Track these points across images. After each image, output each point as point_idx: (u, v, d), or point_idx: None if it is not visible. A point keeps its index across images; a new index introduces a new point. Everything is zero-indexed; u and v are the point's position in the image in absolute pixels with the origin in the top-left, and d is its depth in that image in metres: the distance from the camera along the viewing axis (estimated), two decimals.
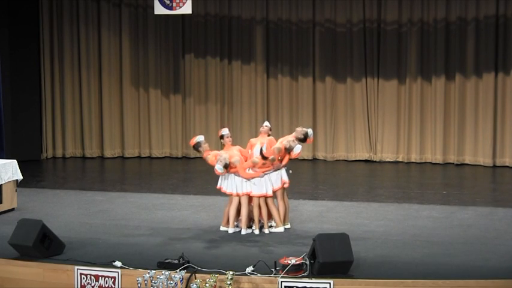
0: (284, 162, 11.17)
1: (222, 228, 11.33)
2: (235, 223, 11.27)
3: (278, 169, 11.16)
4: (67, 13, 18.47)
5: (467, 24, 16.99)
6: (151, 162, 18.26)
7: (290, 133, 11.68)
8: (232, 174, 11.10)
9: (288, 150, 11.09)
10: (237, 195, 11.12)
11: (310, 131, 11.31)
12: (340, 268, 9.10)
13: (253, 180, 11.07)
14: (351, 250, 9.22)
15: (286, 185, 11.28)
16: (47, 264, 9.71)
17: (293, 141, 11.11)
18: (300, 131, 11.23)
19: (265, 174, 11.10)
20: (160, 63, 18.57)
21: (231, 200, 11.22)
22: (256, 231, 11.15)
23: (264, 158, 11.00)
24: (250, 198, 11.18)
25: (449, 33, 17.17)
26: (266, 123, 11.58)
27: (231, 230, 11.19)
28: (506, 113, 16.94)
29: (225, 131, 11.42)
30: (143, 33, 18.53)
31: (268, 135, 11.34)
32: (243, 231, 11.13)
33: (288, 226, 11.39)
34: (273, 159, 11.05)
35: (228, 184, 11.18)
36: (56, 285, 9.56)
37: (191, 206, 13.07)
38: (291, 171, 11.39)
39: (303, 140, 11.25)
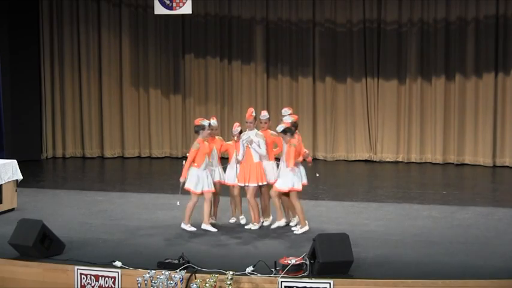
0: (301, 158, 11.19)
1: (204, 226, 11.38)
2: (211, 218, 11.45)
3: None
4: (67, 13, 18.46)
5: (467, 24, 16.98)
6: (151, 162, 18.25)
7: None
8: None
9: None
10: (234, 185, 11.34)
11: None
12: (340, 268, 9.10)
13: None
14: (351, 250, 9.23)
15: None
16: (47, 264, 9.72)
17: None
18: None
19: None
20: (160, 63, 18.56)
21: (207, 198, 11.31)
22: (255, 227, 11.28)
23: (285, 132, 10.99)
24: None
25: (449, 33, 17.17)
26: (263, 115, 11.57)
27: (210, 227, 11.30)
28: (506, 113, 16.93)
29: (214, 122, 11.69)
30: (143, 33, 18.52)
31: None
32: (255, 227, 11.30)
33: (268, 223, 11.44)
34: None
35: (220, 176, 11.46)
36: (56, 285, 9.57)
37: None
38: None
39: None
